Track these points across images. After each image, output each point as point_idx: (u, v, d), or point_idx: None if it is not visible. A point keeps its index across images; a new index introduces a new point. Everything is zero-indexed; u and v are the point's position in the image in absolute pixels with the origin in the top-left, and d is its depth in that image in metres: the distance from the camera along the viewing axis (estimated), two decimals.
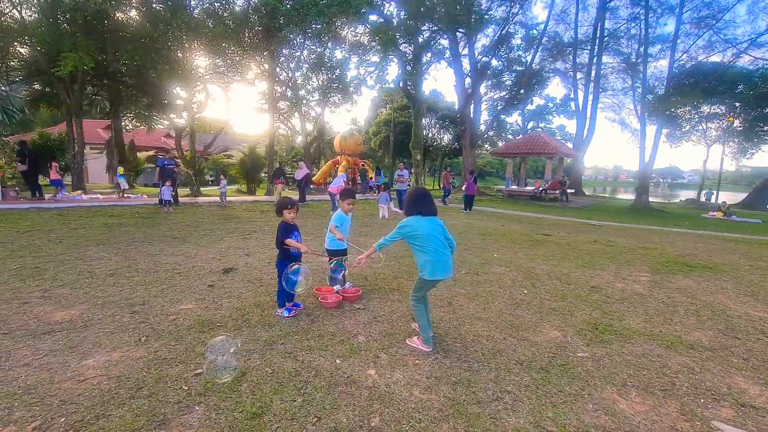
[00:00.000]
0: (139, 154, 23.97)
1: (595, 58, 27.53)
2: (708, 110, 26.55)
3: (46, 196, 12.00)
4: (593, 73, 28.13)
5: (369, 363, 2.81)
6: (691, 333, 3.62)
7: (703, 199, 27.42)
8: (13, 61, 15.19)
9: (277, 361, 2.76)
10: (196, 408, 2.22)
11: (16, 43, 13.85)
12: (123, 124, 21.65)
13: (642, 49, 22.68)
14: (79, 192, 13.26)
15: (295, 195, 13.51)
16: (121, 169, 15.31)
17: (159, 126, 23.78)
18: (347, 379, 2.58)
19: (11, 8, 13.17)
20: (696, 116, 27.22)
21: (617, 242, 8.62)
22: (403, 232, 3.01)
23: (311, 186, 19.50)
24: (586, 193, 32.70)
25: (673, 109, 22.24)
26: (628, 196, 34.82)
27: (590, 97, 29.04)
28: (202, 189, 17.76)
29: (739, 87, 22.91)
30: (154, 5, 14.36)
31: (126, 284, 4.31)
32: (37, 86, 17.91)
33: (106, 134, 24.37)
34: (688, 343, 3.37)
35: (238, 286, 4.39)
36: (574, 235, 9.51)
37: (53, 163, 12.76)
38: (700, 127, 28.56)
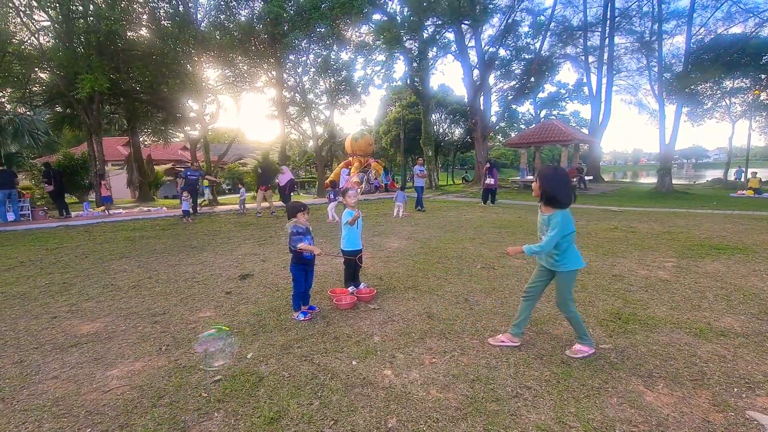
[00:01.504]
0: (156, 168, 24.65)
1: (607, 39, 26.67)
2: (731, 85, 25.32)
3: (98, 211, 12.71)
4: (606, 55, 27.26)
5: (385, 363, 2.79)
6: (722, 319, 3.46)
7: (732, 177, 26.22)
8: (35, 87, 15.86)
9: (293, 365, 2.78)
10: (215, 414, 2.25)
11: (36, 69, 14.45)
12: (141, 139, 22.29)
13: (656, 27, 21.86)
14: (103, 208, 13.72)
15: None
16: (206, 182, 16.08)
17: (175, 139, 24.39)
18: (363, 380, 2.57)
19: (30, 36, 13.74)
20: (718, 92, 26.02)
21: (639, 228, 8.34)
22: (565, 231, 2.78)
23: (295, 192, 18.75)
24: (605, 179, 31.81)
25: (692, 86, 21.32)
26: (649, 180, 33.68)
27: (604, 80, 28.20)
28: (219, 198, 18.13)
29: (765, 58, 21.76)
30: (162, 22, 14.74)
31: (147, 295, 4.43)
32: (58, 109, 18.62)
33: (125, 150, 25.19)
34: (718, 330, 3.22)
35: (255, 292, 4.45)
36: (593, 222, 9.26)
37: (102, 181, 13.61)
38: (724, 103, 27.28)
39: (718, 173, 32.36)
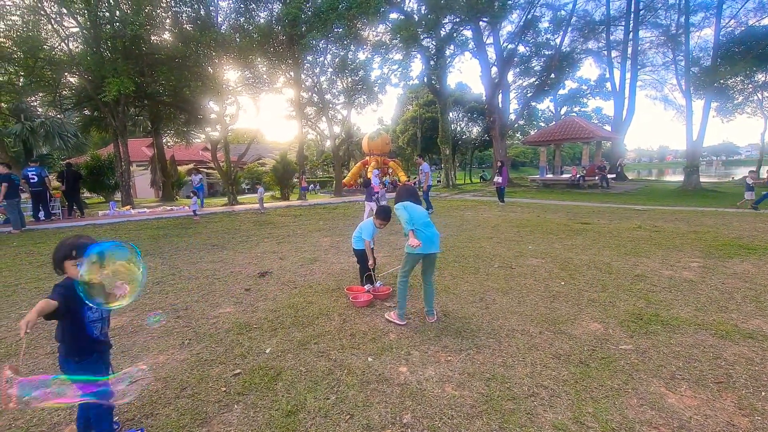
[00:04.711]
0: (179, 168, 25.33)
1: (631, 33, 25.84)
2: (763, 78, 24.12)
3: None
4: (630, 49, 26.41)
5: (400, 360, 2.81)
6: (750, 321, 3.33)
7: (765, 175, 24.99)
8: (65, 91, 16.55)
9: (310, 361, 2.83)
10: (235, 406, 2.32)
11: (66, 74, 15.08)
12: (164, 140, 22.97)
13: (683, 19, 21.07)
14: (128, 207, 14.19)
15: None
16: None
17: (196, 140, 25.02)
18: (379, 376, 2.60)
19: (60, 42, 14.35)
20: (750, 86, 24.81)
21: (664, 227, 8.08)
22: (405, 208, 3.39)
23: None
24: (629, 178, 30.87)
25: (722, 81, 20.43)
26: (676, 177, 32.53)
27: (627, 75, 27.31)
28: (239, 197, 18.50)
29: None
30: (184, 26, 15.13)
31: (170, 291, 4.58)
32: (86, 112, 19.36)
33: (149, 151, 25.94)
34: (746, 332, 3.11)
35: (273, 289, 4.54)
36: (616, 222, 9.02)
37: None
38: (756, 98, 26.06)
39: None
